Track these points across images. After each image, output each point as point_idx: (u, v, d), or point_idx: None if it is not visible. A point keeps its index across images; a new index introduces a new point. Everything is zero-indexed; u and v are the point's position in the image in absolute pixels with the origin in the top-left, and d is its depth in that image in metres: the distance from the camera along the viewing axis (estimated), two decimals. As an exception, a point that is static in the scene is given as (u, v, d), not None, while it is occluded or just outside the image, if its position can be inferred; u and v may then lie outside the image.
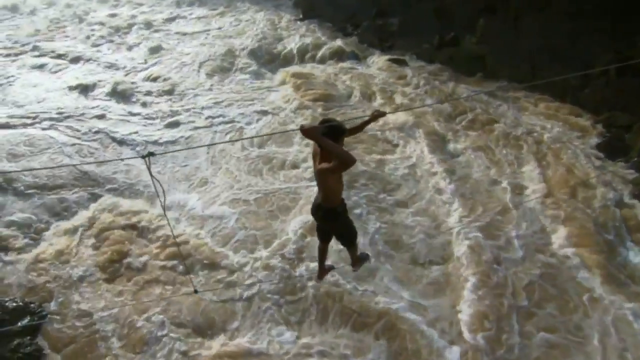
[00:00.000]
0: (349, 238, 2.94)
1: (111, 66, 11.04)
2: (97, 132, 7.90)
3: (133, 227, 5.69)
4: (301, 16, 13.63)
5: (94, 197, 6.24)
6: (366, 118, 2.68)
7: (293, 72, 9.92)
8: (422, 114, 8.18)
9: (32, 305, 4.55)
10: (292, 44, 11.91)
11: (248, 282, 4.90)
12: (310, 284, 4.80)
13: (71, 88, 9.58)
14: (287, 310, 4.64)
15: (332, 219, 2.70)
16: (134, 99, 9.25)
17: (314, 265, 4.23)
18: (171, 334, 4.46)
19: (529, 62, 9.16)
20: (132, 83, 9.94)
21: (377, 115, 2.59)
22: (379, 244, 5.33)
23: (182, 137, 7.96)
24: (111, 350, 4.35)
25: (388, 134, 7.63)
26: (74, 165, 6.65)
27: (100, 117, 8.47)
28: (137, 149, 7.54)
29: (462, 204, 5.92)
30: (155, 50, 11.74)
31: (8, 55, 11.70)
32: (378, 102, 8.92)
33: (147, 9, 15.98)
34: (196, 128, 8.24)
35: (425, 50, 10.58)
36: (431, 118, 8.08)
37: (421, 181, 6.51)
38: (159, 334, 4.46)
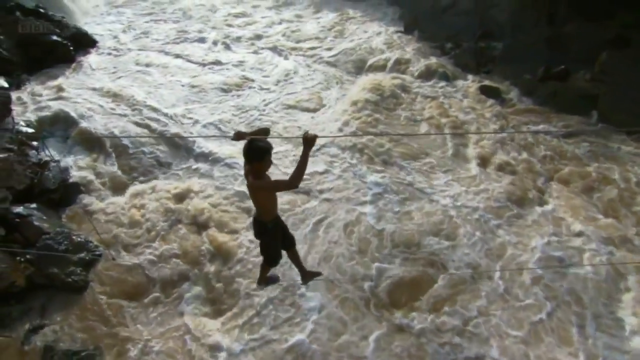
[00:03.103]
0: (267, 257, 2.96)
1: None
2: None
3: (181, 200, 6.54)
4: (403, 29, 13.43)
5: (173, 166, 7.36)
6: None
7: (370, 84, 9.86)
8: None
9: (90, 244, 5.59)
10: (384, 56, 11.83)
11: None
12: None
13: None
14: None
15: (260, 233, 2.76)
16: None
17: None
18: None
19: (656, 112, 7.50)
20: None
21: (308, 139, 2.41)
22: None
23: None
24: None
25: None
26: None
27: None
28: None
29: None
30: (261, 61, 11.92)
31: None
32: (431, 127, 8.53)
33: (251, 14, 16.19)
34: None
35: (526, 81, 9.44)
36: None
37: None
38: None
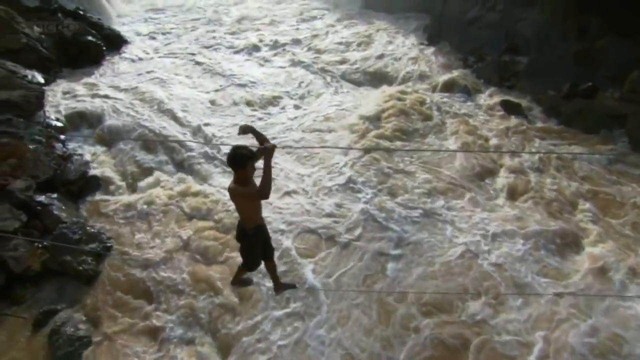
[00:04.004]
0: (244, 261, 3.01)
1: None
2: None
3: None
4: (426, 41, 13.34)
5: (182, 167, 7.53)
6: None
7: (389, 95, 9.80)
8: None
9: (103, 235, 5.83)
10: (404, 67, 11.78)
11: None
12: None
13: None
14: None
15: (240, 238, 2.82)
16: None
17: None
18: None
19: (689, 136, 7.09)
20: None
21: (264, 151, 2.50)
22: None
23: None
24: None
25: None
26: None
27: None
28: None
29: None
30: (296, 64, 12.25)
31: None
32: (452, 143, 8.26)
33: (278, 24, 16.40)
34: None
35: (550, 97, 9.15)
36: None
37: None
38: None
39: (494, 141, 8.30)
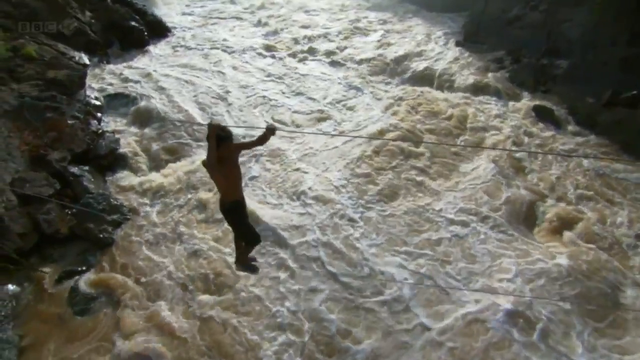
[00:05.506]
0: (244, 239, 3.13)
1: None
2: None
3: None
4: (462, 40, 12.88)
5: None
6: (255, 138, 2.81)
7: (412, 95, 9.60)
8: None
9: (124, 208, 6.32)
10: (440, 69, 11.34)
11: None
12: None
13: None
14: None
15: (221, 212, 2.98)
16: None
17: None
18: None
19: None
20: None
21: (269, 132, 2.68)
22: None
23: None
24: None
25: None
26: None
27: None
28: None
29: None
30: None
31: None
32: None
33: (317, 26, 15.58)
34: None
35: (588, 105, 8.59)
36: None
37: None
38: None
39: (522, 153, 7.85)
